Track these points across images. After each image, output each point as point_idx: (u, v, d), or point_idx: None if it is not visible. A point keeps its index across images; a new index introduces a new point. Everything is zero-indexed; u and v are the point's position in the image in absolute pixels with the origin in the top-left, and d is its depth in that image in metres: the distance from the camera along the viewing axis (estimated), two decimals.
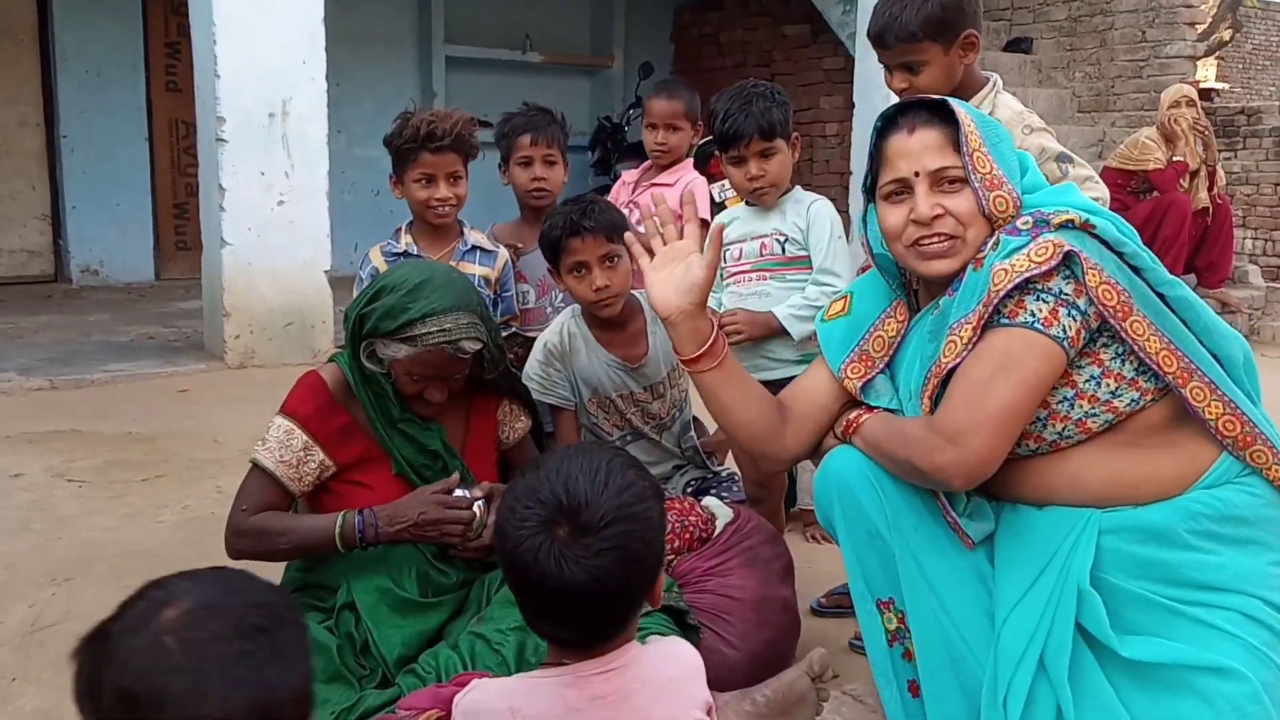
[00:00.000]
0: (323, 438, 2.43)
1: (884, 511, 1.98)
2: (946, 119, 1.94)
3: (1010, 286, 1.77)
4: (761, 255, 2.93)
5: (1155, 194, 7.52)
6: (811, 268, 2.92)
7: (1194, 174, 7.65)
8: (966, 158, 1.90)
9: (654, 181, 3.94)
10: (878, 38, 2.67)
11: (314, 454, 2.43)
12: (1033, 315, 1.77)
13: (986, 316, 1.81)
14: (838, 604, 2.91)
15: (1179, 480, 1.82)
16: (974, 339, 1.82)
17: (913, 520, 1.95)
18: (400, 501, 2.39)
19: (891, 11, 2.62)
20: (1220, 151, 8.19)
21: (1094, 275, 1.77)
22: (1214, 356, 1.85)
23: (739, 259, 3.00)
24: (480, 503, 2.39)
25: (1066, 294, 1.78)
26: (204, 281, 6.28)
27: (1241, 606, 1.76)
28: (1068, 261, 1.78)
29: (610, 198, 3.76)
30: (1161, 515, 1.81)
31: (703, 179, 3.94)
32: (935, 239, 1.93)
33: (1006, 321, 1.79)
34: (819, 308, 2.55)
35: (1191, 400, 1.80)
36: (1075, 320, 1.78)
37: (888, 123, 2.01)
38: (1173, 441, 1.84)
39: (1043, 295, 1.78)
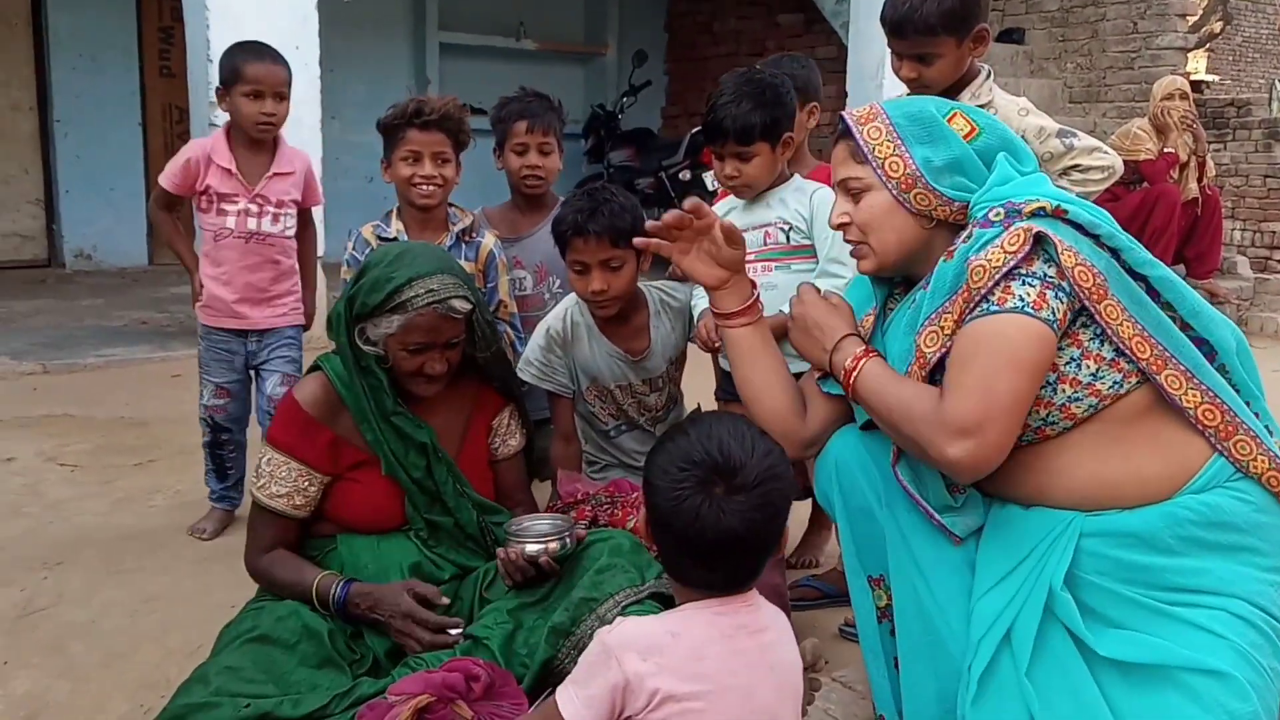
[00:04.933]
0: (313, 460, 2.43)
1: (877, 491, 2.02)
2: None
3: (992, 283, 1.77)
4: (765, 245, 2.86)
5: (1145, 185, 7.55)
6: (814, 257, 2.84)
7: (1184, 165, 7.68)
8: (876, 168, 1.98)
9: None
10: (895, 28, 2.70)
11: (313, 478, 2.43)
12: (1022, 300, 1.76)
13: (969, 311, 1.81)
14: (801, 596, 2.94)
15: (1168, 483, 1.80)
16: (955, 330, 1.83)
17: (906, 502, 1.97)
18: (382, 591, 2.34)
19: (911, 3, 2.65)
20: (1210, 143, 8.22)
21: (1069, 256, 1.76)
22: (1204, 341, 1.84)
23: (756, 243, 2.89)
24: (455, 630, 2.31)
25: (1050, 276, 1.77)
26: None
27: (1226, 606, 1.75)
28: (1041, 244, 1.79)
29: None
30: (1146, 520, 1.79)
31: None
32: (852, 244, 2.07)
33: (996, 308, 1.77)
34: None
35: (1168, 388, 1.78)
36: (1061, 302, 1.77)
37: None
38: (1158, 435, 1.81)
39: (1028, 280, 1.77)
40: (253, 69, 3.40)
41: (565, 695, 1.65)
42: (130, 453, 4.27)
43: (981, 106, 2.83)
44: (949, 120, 1.98)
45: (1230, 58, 17.49)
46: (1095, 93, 9.69)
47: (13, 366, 5.54)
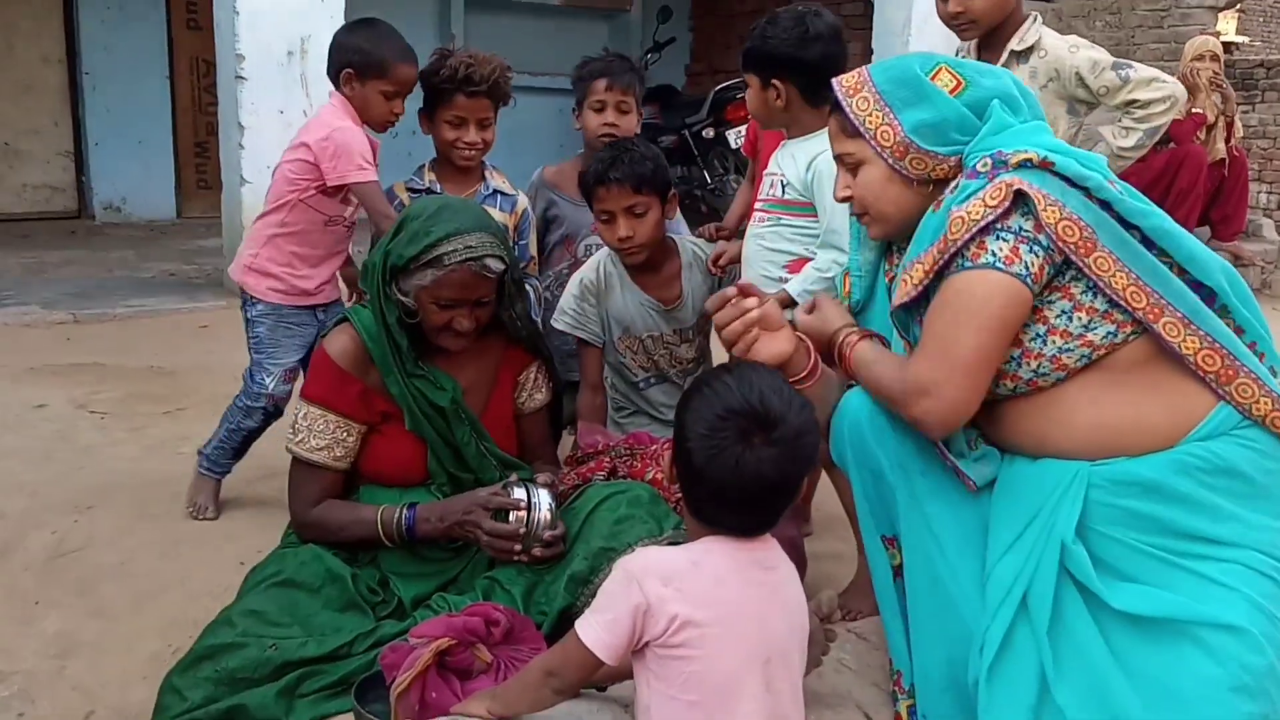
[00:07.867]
0: (347, 410, 2.45)
1: (890, 454, 2.02)
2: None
3: (968, 236, 1.79)
4: (769, 192, 2.88)
5: (1172, 145, 7.47)
6: (805, 215, 2.80)
7: (1211, 126, 7.62)
8: (869, 139, 1.99)
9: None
10: None
11: (350, 428, 2.46)
12: (994, 255, 1.77)
13: (943, 263, 1.83)
14: None
15: (1172, 429, 1.79)
16: (925, 280, 1.86)
17: (921, 465, 1.98)
18: (450, 500, 2.41)
19: None
20: (1238, 104, 8.13)
21: (1052, 212, 1.76)
22: (1201, 285, 1.82)
23: (764, 190, 2.93)
24: (543, 502, 2.32)
25: (1026, 231, 1.77)
26: (224, 219, 6.32)
27: (1240, 558, 1.74)
28: (1022, 200, 1.78)
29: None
30: (1153, 468, 1.78)
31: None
32: (858, 214, 2.11)
33: (970, 264, 1.79)
34: (830, 278, 2.58)
35: (1165, 336, 1.77)
36: (1037, 256, 1.77)
37: None
38: (1160, 383, 1.81)
39: (1002, 234, 1.77)
40: (402, 71, 3.09)
41: (585, 623, 1.67)
42: (159, 401, 4.32)
43: (1029, 49, 2.90)
44: (933, 77, 1.97)
45: (1261, 18, 17.19)
46: (1124, 51, 9.56)
47: (44, 316, 5.61)
